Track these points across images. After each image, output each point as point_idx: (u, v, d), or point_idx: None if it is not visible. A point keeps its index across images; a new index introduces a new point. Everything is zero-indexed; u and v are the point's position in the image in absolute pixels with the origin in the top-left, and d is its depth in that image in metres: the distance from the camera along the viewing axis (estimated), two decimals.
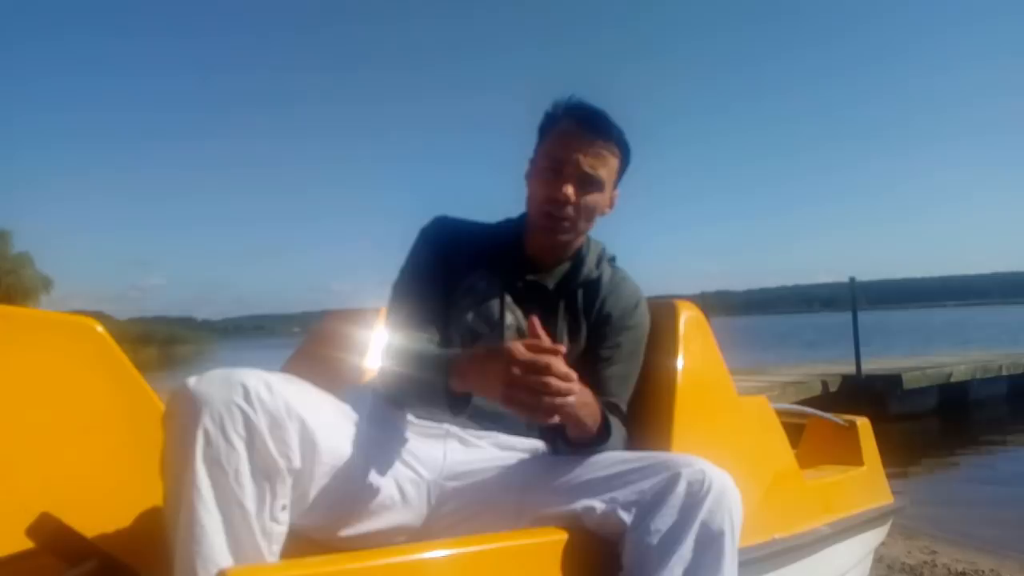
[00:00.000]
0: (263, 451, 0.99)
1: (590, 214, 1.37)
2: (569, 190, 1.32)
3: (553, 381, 1.02)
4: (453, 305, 1.37)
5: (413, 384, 1.22)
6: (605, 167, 1.35)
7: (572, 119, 1.35)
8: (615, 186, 1.42)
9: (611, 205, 1.43)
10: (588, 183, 1.34)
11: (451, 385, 1.13)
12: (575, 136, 1.34)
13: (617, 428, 1.31)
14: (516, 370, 1.02)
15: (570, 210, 1.34)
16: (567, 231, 1.37)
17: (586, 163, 1.33)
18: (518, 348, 1.04)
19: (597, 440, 1.23)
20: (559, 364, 1.04)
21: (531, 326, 1.09)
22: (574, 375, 1.06)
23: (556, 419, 1.06)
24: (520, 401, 1.03)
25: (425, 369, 1.19)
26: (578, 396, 1.10)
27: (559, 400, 1.03)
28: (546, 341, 1.06)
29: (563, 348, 1.06)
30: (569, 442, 1.24)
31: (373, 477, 1.16)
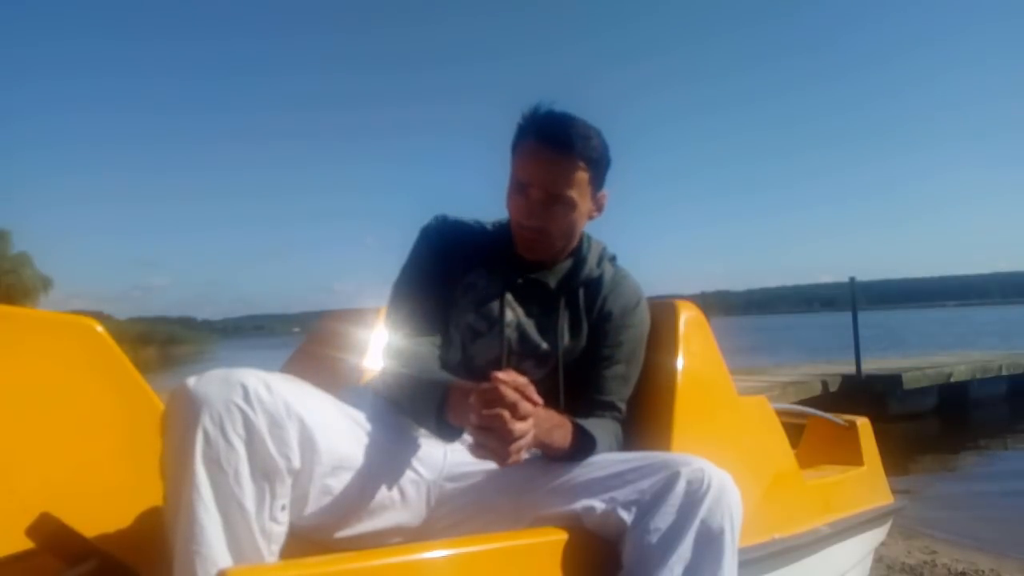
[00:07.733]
0: (262, 451, 0.99)
1: (567, 229, 1.35)
2: (534, 215, 1.31)
3: (508, 426, 1.03)
4: (454, 303, 1.37)
5: (408, 405, 1.24)
6: (572, 185, 1.30)
7: (535, 136, 1.30)
8: (597, 190, 1.37)
9: (599, 209, 1.41)
10: (555, 202, 1.31)
11: (446, 417, 1.16)
12: (537, 156, 1.30)
13: (613, 430, 1.32)
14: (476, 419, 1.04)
15: (540, 232, 1.33)
16: (544, 249, 1.37)
17: (549, 184, 1.29)
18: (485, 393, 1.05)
19: (571, 457, 1.22)
20: (523, 405, 1.05)
21: (493, 379, 1.06)
22: (531, 408, 1.06)
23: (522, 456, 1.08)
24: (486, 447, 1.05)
25: (421, 395, 1.21)
26: (541, 423, 1.11)
27: (514, 446, 1.05)
28: (510, 379, 1.05)
29: (530, 385, 1.07)
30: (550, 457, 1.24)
31: (373, 477, 1.16)
